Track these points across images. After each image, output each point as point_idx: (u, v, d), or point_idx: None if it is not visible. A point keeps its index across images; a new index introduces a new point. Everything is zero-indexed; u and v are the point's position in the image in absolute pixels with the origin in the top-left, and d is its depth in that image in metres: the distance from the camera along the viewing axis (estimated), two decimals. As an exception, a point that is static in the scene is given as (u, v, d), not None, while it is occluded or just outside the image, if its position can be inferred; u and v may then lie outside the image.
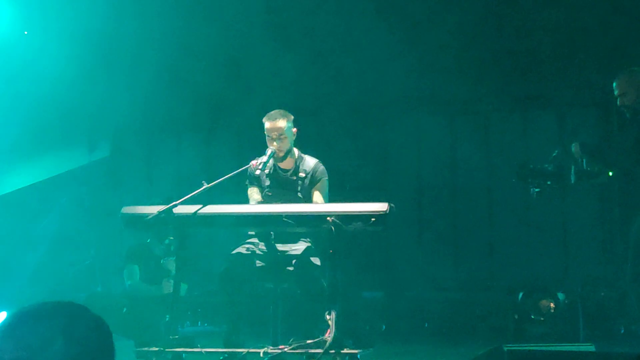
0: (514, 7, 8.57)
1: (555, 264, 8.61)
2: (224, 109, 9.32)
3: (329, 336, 4.81)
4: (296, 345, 4.89)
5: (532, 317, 7.20)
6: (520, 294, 7.30)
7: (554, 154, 5.90)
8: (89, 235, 9.26)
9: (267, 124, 5.55)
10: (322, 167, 5.65)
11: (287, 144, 5.56)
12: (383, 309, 8.30)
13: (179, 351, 5.05)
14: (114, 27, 8.58)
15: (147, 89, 8.82)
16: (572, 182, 5.88)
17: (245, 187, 5.70)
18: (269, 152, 5.52)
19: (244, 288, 5.42)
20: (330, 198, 5.60)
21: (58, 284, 8.51)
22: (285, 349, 4.91)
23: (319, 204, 5.42)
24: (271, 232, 5.45)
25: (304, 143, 5.77)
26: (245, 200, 5.66)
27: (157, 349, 5.01)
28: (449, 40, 8.53)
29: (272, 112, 5.60)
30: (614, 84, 5.71)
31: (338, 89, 9.01)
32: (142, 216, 5.24)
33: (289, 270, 5.35)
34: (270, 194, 5.59)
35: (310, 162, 5.67)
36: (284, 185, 5.63)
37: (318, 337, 4.87)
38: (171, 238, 5.35)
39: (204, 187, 5.28)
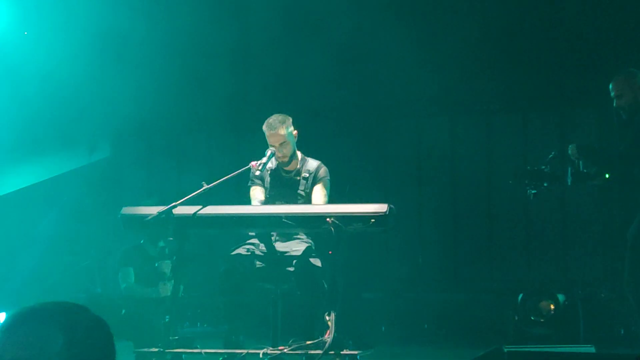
0: (515, 8, 8.58)
1: (555, 265, 8.60)
2: (224, 109, 9.30)
3: (328, 337, 4.82)
4: (296, 346, 4.90)
5: (532, 318, 7.19)
6: (520, 296, 7.30)
7: (551, 156, 5.90)
8: (88, 236, 9.24)
9: (268, 133, 5.53)
10: (324, 168, 5.67)
11: (290, 149, 5.56)
12: (383, 310, 8.30)
13: (178, 352, 5.05)
14: (114, 27, 8.56)
15: (148, 89, 8.81)
16: (569, 183, 5.88)
17: (247, 189, 5.69)
18: (268, 152, 5.52)
19: (243, 289, 5.41)
20: (330, 199, 5.60)
21: (57, 284, 8.49)
22: (285, 350, 4.92)
23: (318, 205, 5.42)
24: (273, 233, 5.45)
25: (304, 143, 5.77)
26: (245, 201, 5.65)
27: (156, 349, 5.02)
28: (450, 41, 8.53)
29: (270, 119, 5.55)
30: (611, 86, 5.71)
31: (338, 89, 9.00)
32: (142, 217, 5.24)
33: (289, 271, 5.35)
34: (273, 193, 5.59)
35: (313, 163, 5.68)
36: (287, 185, 5.63)
37: (318, 338, 4.87)
38: (167, 240, 5.30)
39: (203, 187, 5.28)
